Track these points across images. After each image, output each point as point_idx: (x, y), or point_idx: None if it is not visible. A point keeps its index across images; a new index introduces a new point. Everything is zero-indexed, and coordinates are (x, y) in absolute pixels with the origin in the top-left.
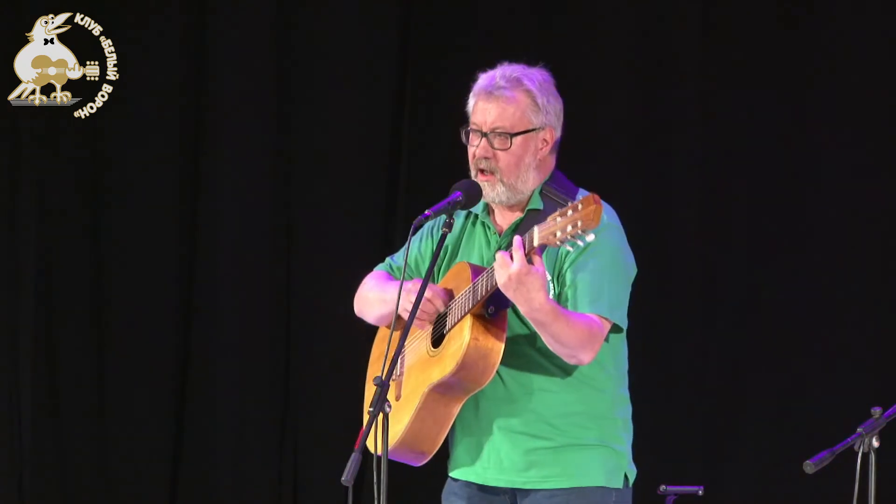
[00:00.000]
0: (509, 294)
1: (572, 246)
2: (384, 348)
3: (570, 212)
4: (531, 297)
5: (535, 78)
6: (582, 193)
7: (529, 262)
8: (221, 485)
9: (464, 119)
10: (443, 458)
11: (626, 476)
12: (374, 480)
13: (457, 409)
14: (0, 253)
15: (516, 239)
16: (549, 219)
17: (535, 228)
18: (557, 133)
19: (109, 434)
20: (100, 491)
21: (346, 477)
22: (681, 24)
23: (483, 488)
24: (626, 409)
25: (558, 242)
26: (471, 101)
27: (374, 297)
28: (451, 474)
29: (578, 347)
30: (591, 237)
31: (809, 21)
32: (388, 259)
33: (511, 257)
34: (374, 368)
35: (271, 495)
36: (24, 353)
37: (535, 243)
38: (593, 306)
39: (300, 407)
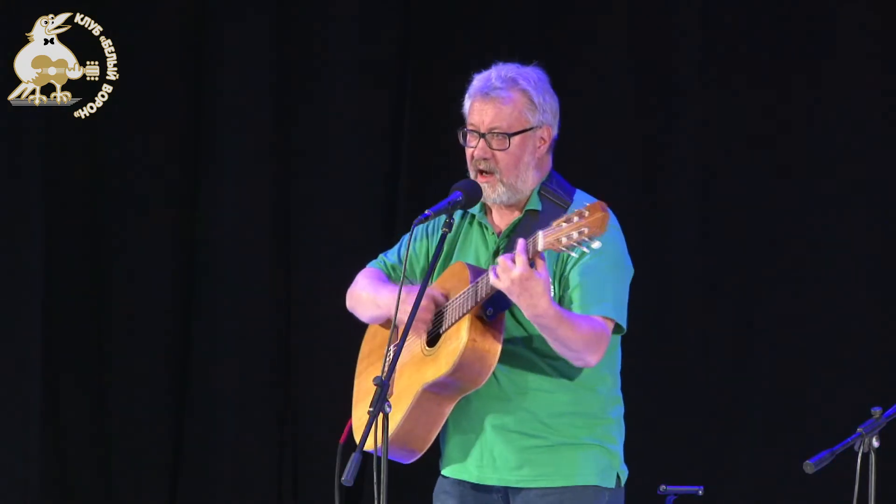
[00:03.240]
0: (513, 298)
1: (576, 252)
2: (375, 344)
3: (575, 218)
4: (535, 303)
5: (531, 76)
6: (579, 194)
7: (532, 266)
8: (222, 484)
9: (462, 120)
10: (440, 456)
11: (618, 476)
12: (375, 480)
13: (450, 409)
14: (1, 253)
15: (520, 242)
16: (554, 224)
17: (540, 234)
18: (554, 131)
19: (109, 434)
20: (100, 491)
21: (347, 477)
22: (681, 26)
23: (476, 486)
24: (619, 409)
25: (563, 248)
26: (466, 103)
27: (367, 299)
28: (442, 472)
29: (584, 350)
30: (596, 244)
31: (809, 20)
32: (381, 256)
33: (513, 261)
34: (365, 364)
35: (271, 494)
36: (27, 353)
37: (539, 248)
38: (599, 307)
39: (300, 406)
